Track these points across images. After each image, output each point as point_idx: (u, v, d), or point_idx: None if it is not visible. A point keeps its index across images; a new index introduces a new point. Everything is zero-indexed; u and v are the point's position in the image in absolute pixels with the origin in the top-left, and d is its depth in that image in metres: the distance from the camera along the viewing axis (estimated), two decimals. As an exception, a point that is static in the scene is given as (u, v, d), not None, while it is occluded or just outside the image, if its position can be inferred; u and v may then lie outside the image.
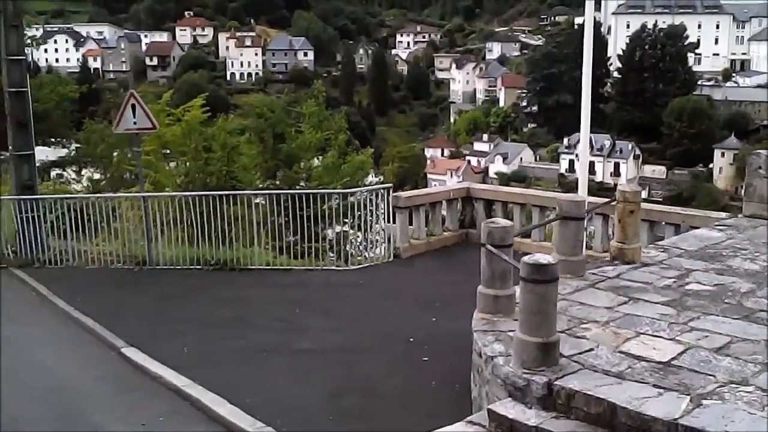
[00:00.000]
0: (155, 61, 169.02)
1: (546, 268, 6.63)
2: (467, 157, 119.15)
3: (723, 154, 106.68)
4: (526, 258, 6.72)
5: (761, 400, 6.05)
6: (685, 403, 6.01)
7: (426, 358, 9.57)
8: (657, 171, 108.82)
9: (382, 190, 14.72)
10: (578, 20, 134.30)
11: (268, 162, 20.28)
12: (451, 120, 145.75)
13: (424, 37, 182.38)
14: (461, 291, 10.92)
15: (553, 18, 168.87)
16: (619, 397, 6.13)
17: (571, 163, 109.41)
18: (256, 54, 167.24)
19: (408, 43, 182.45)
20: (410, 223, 15.11)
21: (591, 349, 7.15)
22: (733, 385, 6.33)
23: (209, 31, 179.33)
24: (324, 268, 14.44)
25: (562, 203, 9.49)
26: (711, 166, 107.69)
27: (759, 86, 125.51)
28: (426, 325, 10.72)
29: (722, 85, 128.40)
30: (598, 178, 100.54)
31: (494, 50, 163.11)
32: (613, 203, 10.36)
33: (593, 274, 9.57)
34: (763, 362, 6.83)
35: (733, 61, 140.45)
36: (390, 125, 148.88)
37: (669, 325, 7.80)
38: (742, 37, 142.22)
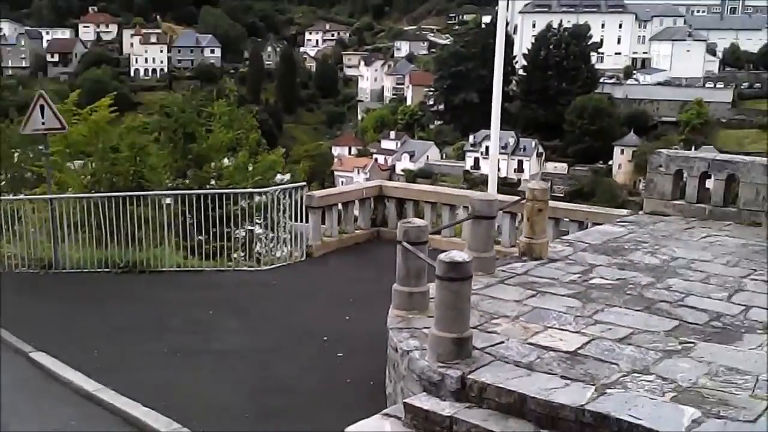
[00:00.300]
0: (56, 58, 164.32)
1: (461, 266, 6.82)
2: (374, 155, 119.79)
3: (622, 151, 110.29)
4: (442, 256, 6.88)
5: (661, 387, 6.36)
6: (591, 391, 6.28)
7: (341, 355, 9.70)
8: (559, 167, 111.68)
9: (295, 189, 14.72)
10: (485, 19, 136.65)
11: (178, 162, 20.05)
12: (359, 118, 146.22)
13: (333, 35, 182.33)
14: (374, 288, 11.11)
15: (461, 17, 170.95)
16: (529, 389, 6.35)
17: (476, 160, 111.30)
18: (162, 51, 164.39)
19: (317, 41, 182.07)
20: (323, 222, 15.20)
21: (502, 342, 7.38)
22: (635, 374, 6.63)
23: (113, 28, 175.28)
24: (236, 268, 14.38)
25: (474, 203, 9.72)
26: (611, 162, 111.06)
27: (659, 83, 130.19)
28: (340, 323, 10.83)
29: (623, 83, 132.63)
30: (502, 174, 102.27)
31: (402, 49, 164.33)
32: (523, 202, 10.67)
33: (502, 270, 9.85)
34: (662, 350, 7.18)
35: (634, 60, 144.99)
36: (298, 123, 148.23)
37: (575, 318, 8.10)
38: (644, 36, 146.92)
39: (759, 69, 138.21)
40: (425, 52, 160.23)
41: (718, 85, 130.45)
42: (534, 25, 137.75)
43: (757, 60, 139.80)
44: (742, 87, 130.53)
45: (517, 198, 12.06)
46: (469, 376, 6.64)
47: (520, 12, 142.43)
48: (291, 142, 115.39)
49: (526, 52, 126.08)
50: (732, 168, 13.29)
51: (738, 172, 13.17)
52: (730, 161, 13.66)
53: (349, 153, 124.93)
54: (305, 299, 12.29)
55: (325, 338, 10.26)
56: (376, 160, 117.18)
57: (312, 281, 13.41)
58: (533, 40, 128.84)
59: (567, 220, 13.75)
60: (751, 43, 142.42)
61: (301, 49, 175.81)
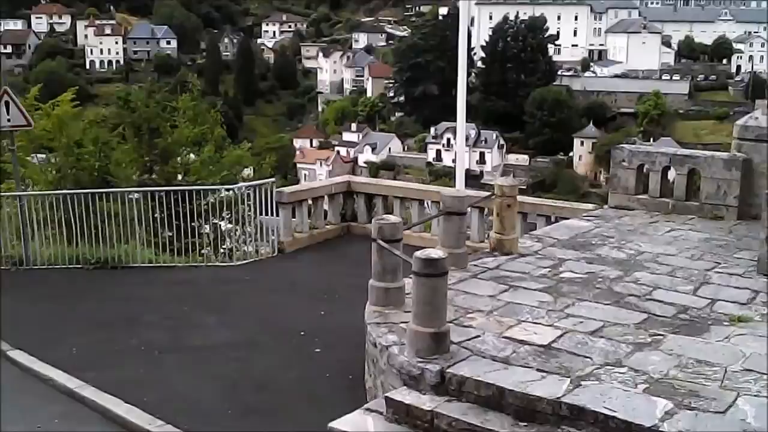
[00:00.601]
0: (9, 50, 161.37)
1: (437, 263, 7.02)
2: (336, 147, 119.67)
3: (582, 143, 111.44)
4: (418, 253, 7.07)
5: (634, 379, 6.62)
6: (566, 384, 6.51)
7: (318, 350, 9.83)
8: (520, 159, 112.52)
9: (264, 185, 14.79)
10: (442, 11, 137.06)
11: (144, 157, 19.97)
12: (320, 109, 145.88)
13: (289, 26, 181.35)
14: (346, 283, 11.40)
15: (417, 8, 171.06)
16: (506, 382, 6.58)
17: (438, 152, 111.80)
18: (117, 42, 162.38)
19: (274, 33, 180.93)
20: (293, 216, 15.31)
21: (478, 336, 7.59)
22: (608, 366, 6.88)
23: (67, 19, 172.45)
24: (208, 264, 14.43)
25: (445, 199, 9.92)
26: (571, 154, 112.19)
27: (616, 76, 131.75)
28: (315, 318, 10.97)
29: (581, 75, 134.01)
30: (465, 166, 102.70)
31: (361, 41, 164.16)
32: (492, 197, 10.88)
33: (475, 265, 10.08)
34: (633, 343, 7.44)
35: (591, 52, 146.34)
36: (258, 115, 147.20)
37: (547, 312, 8.35)
38: (600, 28, 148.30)
39: (713, 61, 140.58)
40: (383, 43, 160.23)
41: (674, 77, 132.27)
42: (491, 17, 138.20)
43: (712, 52, 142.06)
44: (698, 79, 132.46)
45: (486, 194, 12.29)
46: (448, 370, 6.85)
47: (476, 3, 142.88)
48: (252, 134, 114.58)
49: (484, 44, 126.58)
50: (693, 163, 13.64)
51: (699, 166, 13.52)
52: (691, 156, 14.02)
53: (311, 145, 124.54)
54: (279, 295, 12.39)
55: (301, 333, 10.39)
56: (338, 152, 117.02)
57: (285, 277, 13.50)
58: (491, 32, 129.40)
59: (535, 214, 14.00)
60: (705, 35, 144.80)
61: (259, 41, 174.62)
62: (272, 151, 59.59)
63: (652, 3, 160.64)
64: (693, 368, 6.86)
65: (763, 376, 6.69)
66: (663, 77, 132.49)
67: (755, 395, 6.34)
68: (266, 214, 14.65)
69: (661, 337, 7.61)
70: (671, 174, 13.99)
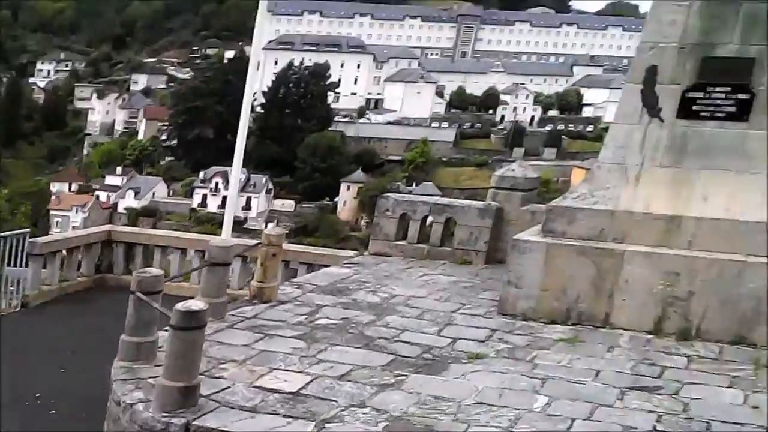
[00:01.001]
0: None
1: (197, 315, 6.89)
2: (97, 192, 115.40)
3: (348, 188, 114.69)
4: (179, 305, 6.87)
5: (375, 418, 6.87)
6: (311, 427, 6.65)
7: (53, 412, 9.34)
8: (286, 204, 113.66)
9: (17, 237, 13.97)
10: (228, 54, 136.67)
11: None
12: (84, 152, 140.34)
13: (67, 65, 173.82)
14: (94, 338, 10.95)
15: (204, 50, 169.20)
16: (252, 429, 6.60)
17: (204, 197, 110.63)
18: None
19: (49, 71, 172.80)
20: (44, 268, 14.52)
21: (228, 387, 7.55)
22: (353, 408, 7.09)
23: None
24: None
25: (212, 250, 9.76)
26: (337, 199, 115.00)
27: (389, 123, 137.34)
28: (55, 378, 10.36)
29: (356, 122, 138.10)
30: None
31: (140, 82, 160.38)
32: (259, 246, 10.90)
33: (233, 315, 9.99)
34: (378, 384, 7.71)
35: (368, 100, 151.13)
36: (16, 158, 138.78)
37: (300, 358, 8.43)
38: (380, 77, 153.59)
39: (481, 111, 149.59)
40: (164, 85, 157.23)
41: (442, 125, 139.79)
42: (276, 62, 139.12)
43: (481, 102, 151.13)
44: (464, 127, 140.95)
45: (254, 242, 12.30)
46: (193, 423, 6.72)
47: (263, 49, 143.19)
48: (5, 177, 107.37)
49: (266, 89, 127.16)
50: (451, 212, 14.52)
51: (456, 215, 14.40)
52: (450, 205, 14.99)
53: (70, 190, 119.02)
54: (16, 354, 11.29)
55: (37, 395, 9.78)
56: (97, 197, 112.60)
57: (26, 334, 12.52)
58: (274, 78, 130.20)
59: (297, 262, 14.21)
60: (477, 85, 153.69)
61: (31, 80, 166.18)
62: (26, 196, 55.90)
63: (431, 54, 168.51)
64: (430, 404, 7.22)
65: (492, 407, 7.17)
66: (432, 125, 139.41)
67: (483, 426, 6.79)
68: (18, 266, 13.82)
69: (405, 377, 7.93)
70: (430, 220, 14.72)
